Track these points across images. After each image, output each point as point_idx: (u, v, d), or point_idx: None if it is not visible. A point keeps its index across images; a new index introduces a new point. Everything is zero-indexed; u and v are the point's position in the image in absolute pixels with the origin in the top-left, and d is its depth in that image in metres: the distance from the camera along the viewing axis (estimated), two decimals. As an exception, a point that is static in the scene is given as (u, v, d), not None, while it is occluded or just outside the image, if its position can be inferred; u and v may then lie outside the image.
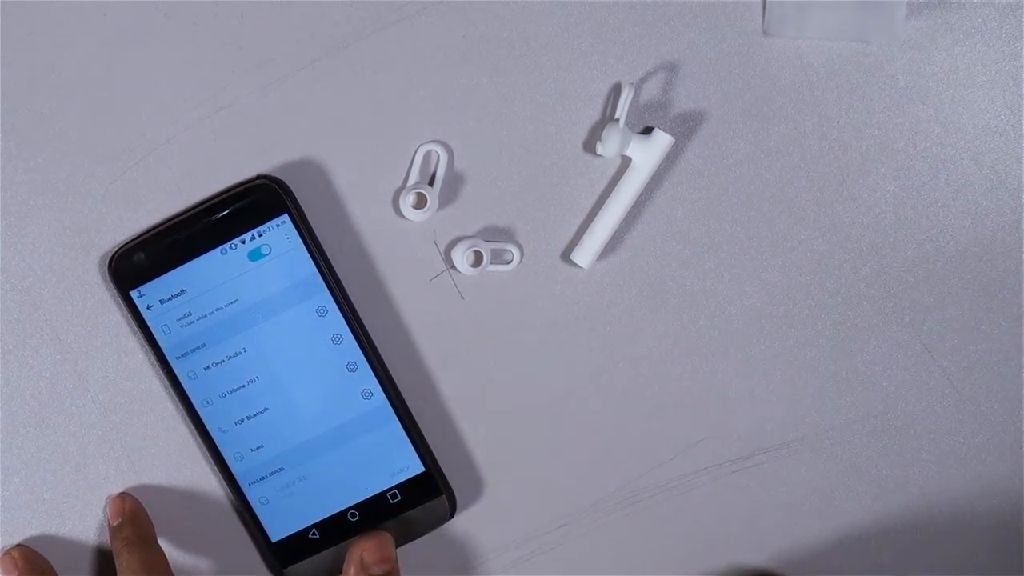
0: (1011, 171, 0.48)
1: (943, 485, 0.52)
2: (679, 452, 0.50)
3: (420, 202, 0.46)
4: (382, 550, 0.46)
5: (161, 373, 0.46)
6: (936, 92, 0.47)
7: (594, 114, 0.46)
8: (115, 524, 0.47)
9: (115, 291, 0.45)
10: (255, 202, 0.44)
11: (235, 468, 0.47)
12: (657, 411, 0.50)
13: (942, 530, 0.52)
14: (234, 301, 0.45)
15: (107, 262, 0.45)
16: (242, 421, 0.46)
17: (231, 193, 0.44)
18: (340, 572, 0.47)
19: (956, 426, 0.51)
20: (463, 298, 0.48)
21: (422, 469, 0.47)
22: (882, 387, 0.50)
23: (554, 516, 0.50)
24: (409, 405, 0.47)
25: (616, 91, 0.46)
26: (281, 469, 0.47)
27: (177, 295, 0.45)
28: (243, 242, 0.44)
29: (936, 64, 0.47)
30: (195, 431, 0.47)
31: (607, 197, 0.47)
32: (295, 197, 0.45)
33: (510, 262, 0.47)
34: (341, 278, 0.46)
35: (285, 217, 0.44)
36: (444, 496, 0.48)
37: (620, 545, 0.51)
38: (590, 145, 0.47)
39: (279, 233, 0.44)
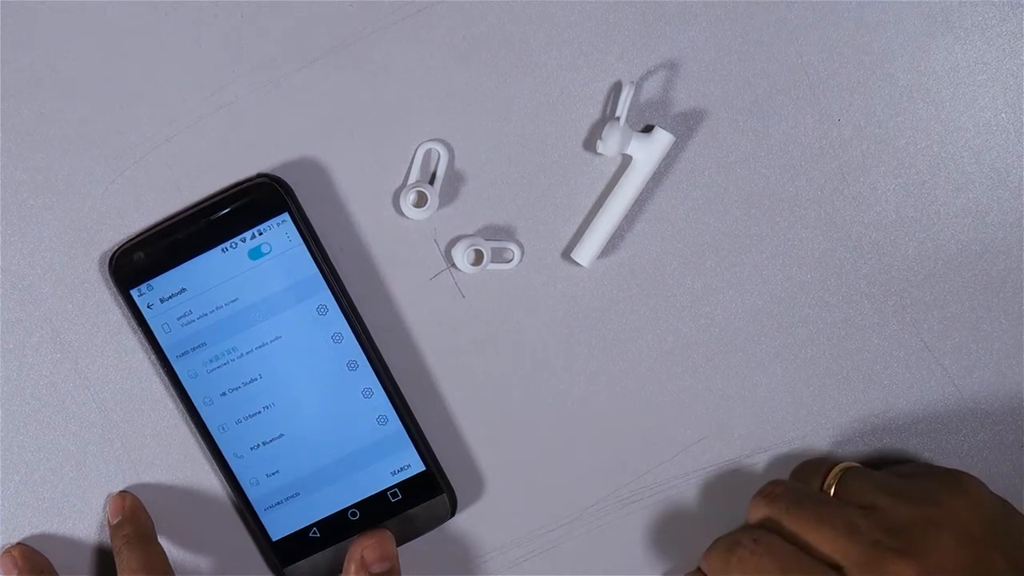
0: (1012, 169, 0.48)
1: (944, 484, 0.52)
2: (679, 452, 0.50)
3: (421, 201, 0.46)
4: (383, 548, 0.46)
5: (161, 372, 0.46)
6: (936, 90, 0.47)
7: (594, 113, 0.46)
8: (115, 522, 0.47)
9: (115, 290, 0.45)
10: (255, 201, 0.44)
11: (235, 467, 0.47)
12: (657, 411, 0.49)
13: (943, 529, 0.52)
14: (234, 300, 0.45)
15: (107, 261, 0.45)
16: (242, 420, 0.46)
17: (231, 192, 0.44)
18: (341, 571, 0.47)
19: (957, 425, 0.51)
20: (464, 297, 0.48)
21: (423, 468, 0.47)
22: (883, 386, 0.50)
23: (554, 516, 0.50)
24: (410, 404, 0.47)
25: (616, 90, 0.46)
26: (282, 468, 0.47)
27: (177, 294, 0.45)
28: (243, 241, 0.44)
29: (936, 62, 0.47)
30: (195, 430, 0.47)
31: (608, 195, 0.47)
32: (295, 196, 0.45)
33: (511, 261, 0.47)
34: (341, 277, 0.46)
35: (285, 216, 0.44)
36: (445, 495, 0.48)
37: (620, 545, 0.51)
38: (590, 144, 0.47)
39: (279, 232, 0.44)
